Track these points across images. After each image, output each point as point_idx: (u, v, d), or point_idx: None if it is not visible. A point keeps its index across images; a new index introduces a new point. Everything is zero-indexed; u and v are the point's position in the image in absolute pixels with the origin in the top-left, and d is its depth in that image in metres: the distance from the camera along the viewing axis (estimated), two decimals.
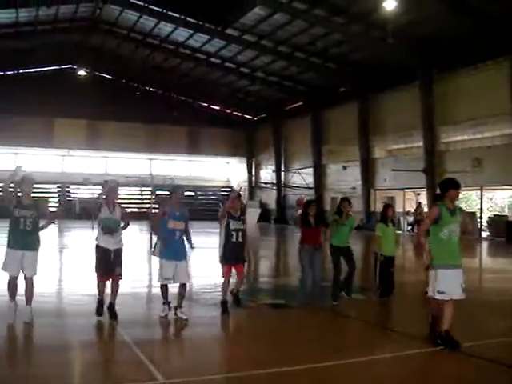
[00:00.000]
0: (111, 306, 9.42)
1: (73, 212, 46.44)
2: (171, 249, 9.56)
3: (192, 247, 10.03)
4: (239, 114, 59.31)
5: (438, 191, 8.33)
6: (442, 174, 31.70)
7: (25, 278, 9.14)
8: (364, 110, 40.94)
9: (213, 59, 45.85)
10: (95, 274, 9.50)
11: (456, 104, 32.91)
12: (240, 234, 10.26)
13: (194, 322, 9.60)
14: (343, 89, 43.86)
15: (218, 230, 10.73)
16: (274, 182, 54.14)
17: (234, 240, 10.20)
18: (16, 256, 9.01)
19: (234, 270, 10.46)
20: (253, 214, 15.93)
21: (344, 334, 9.49)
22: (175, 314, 9.58)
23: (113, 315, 9.35)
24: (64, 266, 18.30)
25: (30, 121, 50.30)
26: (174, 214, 9.68)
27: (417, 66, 34.51)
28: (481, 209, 33.55)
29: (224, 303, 10.12)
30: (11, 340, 8.54)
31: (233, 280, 10.55)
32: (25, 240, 9.06)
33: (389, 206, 12.45)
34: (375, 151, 41.38)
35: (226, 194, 54.78)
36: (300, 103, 49.68)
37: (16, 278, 9.13)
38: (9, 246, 9.08)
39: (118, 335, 8.72)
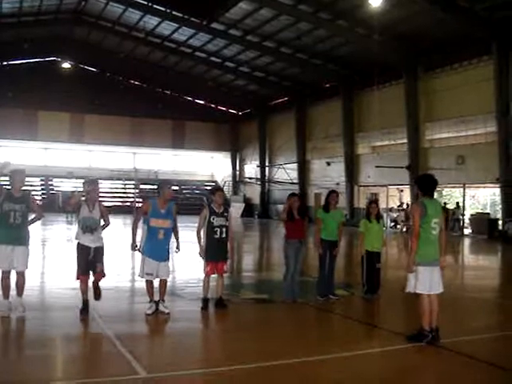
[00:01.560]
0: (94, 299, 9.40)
1: (56, 205, 46.22)
2: (154, 249, 9.45)
3: (177, 249, 9.89)
4: (224, 109, 59.28)
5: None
6: (425, 170, 31.81)
7: (16, 272, 9.08)
8: (349, 107, 41.04)
9: (198, 53, 45.78)
10: (76, 273, 9.36)
11: (441, 101, 33.10)
12: (224, 230, 10.01)
13: (176, 317, 9.57)
14: (328, 85, 43.90)
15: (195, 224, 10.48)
16: (259, 176, 54.17)
17: (218, 236, 9.95)
18: (6, 251, 8.93)
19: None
20: (236, 209, 15.93)
21: (327, 330, 9.50)
22: (157, 308, 9.54)
23: (97, 297, 9.40)
24: (46, 259, 18.19)
25: (13, 113, 50.06)
26: (158, 211, 9.49)
27: (402, 64, 34.65)
28: (463, 206, 33.71)
29: (205, 300, 10.05)
30: None
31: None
32: (14, 234, 8.97)
33: (372, 202, 12.46)
34: (359, 148, 41.50)
35: (209, 188, 54.90)
36: (285, 99, 49.81)
37: (8, 272, 9.07)
38: None
39: (100, 329, 8.68)
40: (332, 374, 6.81)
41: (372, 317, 10.46)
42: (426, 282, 7.86)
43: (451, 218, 32.34)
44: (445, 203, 33.00)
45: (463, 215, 33.52)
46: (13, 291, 9.13)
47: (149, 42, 45.99)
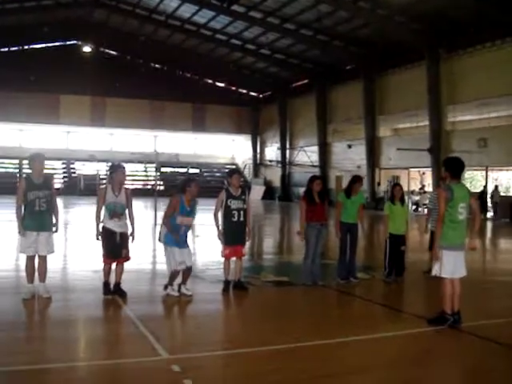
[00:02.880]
0: (117, 286, 9.41)
1: (77, 188, 46.56)
2: (179, 239, 9.50)
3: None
4: (245, 92, 59.16)
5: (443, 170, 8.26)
6: (447, 153, 31.60)
7: (39, 257, 9.16)
8: (370, 89, 40.76)
9: (218, 36, 45.64)
10: (102, 257, 9.43)
11: (463, 83, 32.76)
12: (242, 213, 9.98)
13: (197, 299, 9.62)
14: (349, 67, 43.61)
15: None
16: (279, 159, 54.10)
17: (236, 220, 9.93)
18: (31, 238, 9.00)
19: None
20: (257, 191, 15.89)
21: (347, 312, 9.50)
22: (179, 290, 9.59)
23: (121, 293, 9.35)
24: (69, 242, 18.32)
25: (35, 97, 50.37)
26: (185, 208, 9.53)
27: (424, 45, 34.27)
28: (485, 189, 33.45)
29: (226, 282, 10.11)
30: (20, 315, 8.57)
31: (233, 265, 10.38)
32: (39, 220, 9.04)
33: (397, 184, 12.42)
34: (380, 130, 41.26)
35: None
36: (306, 81, 49.58)
37: (34, 258, 9.13)
38: (24, 228, 8.99)
39: (122, 311, 8.76)
40: (353, 357, 6.83)
41: (393, 300, 10.44)
42: (450, 266, 7.81)
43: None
44: (484, 187, 32.93)
45: (486, 199, 33.17)
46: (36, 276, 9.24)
47: (169, 25, 45.97)
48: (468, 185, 34.46)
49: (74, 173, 54.56)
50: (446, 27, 32.30)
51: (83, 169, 55.30)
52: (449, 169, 8.09)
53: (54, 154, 52.02)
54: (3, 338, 7.20)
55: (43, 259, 9.21)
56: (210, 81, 58.11)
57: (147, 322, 7.86)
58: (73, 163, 55.77)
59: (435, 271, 7.98)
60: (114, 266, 9.44)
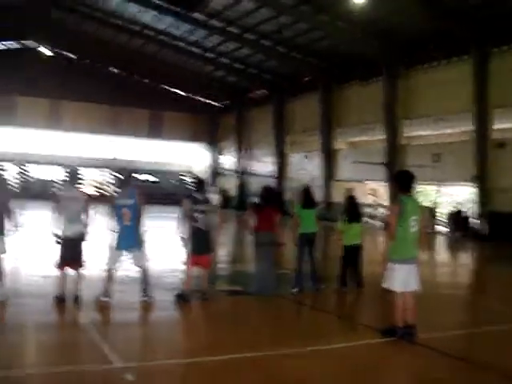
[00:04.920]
0: (75, 296, 9.36)
1: (31, 192, 45.88)
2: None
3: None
4: (203, 100, 59.03)
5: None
6: (402, 167, 31.93)
7: None
8: (327, 101, 41.06)
9: (178, 43, 45.46)
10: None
11: (419, 99, 33.23)
12: (205, 222, 10.06)
13: (155, 307, 9.61)
14: (307, 79, 43.83)
15: (176, 215, 10.41)
16: (236, 169, 54.04)
17: (201, 228, 9.99)
18: None
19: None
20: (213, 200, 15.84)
21: (299, 323, 9.57)
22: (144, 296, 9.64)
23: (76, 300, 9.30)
24: (21, 245, 17.99)
25: None
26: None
27: (382, 60, 34.67)
28: (437, 203, 33.97)
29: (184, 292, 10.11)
30: None
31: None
32: None
33: (351, 198, 12.47)
34: (337, 142, 41.56)
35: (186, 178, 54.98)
36: (264, 91, 49.64)
37: None
38: None
39: (76, 317, 8.67)
40: (300, 370, 6.81)
41: (347, 310, 10.52)
42: (402, 279, 7.90)
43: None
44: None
45: (437, 213, 33.64)
46: None
47: (128, 30, 45.59)
48: (421, 199, 34.96)
49: (29, 176, 53.61)
50: (404, 43, 32.74)
51: (38, 172, 54.45)
52: (398, 182, 8.20)
53: (9, 156, 51.39)
54: None
55: None
56: (168, 87, 57.80)
57: (100, 329, 7.79)
58: (26, 166, 54.77)
59: (386, 284, 8.08)
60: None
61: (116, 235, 9.55)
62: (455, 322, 9.63)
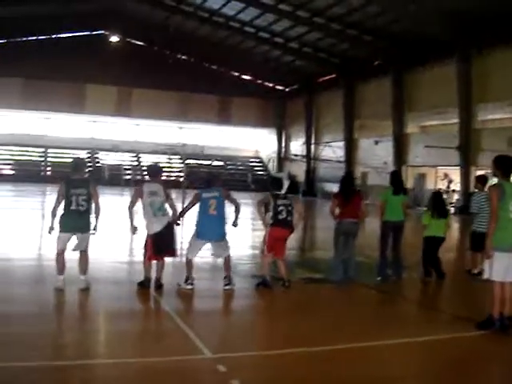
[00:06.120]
0: (157, 280, 9.34)
1: (102, 178, 46.63)
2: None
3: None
4: (271, 85, 58.85)
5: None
6: (476, 152, 31.22)
7: (80, 252, 9.14)
8: (398, 85, 40.32)
9: (247, 28, 45.39)
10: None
11: (495, 81, 32.21)
12: (289, 209, 9.89)
13: (236, 295, 9.50)
14: (378, 62, 43.11)
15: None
16: (304, 154, 53.79)
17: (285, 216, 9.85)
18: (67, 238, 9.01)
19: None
20: None
21: (385, 313, 9.26)
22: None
23: (157, 287, 9.28)
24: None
25: (61, 86, 50.56)
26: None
27: (456, 42, 33.75)
28: None
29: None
30: (58, 307, 8.52)
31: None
32: (77, 222, 9.01)
33: (437, 193, 12.23)
34: (408, 127, 40.82)
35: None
36: (333, 76, 49.05)
37: (63, 251, 9.02)
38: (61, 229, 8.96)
39: (160, 305, 8.65)
40: (390, 361, 6.67)
41: (435, 301, 10.24)
42: (502, 268, 7.50)
43: None
44: None
45: None
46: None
47: (197, 17, 45.77)
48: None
49: (98, 162, 54.59)
50: (479, 24, 31.73)
51: (107, 159, 55.42)
52: (499, 167, 7.80)
53: (79, 143, 52.43)
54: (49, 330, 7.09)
55: (84, 254, 9.23)
56: (236, 73, 57.84)
57: (185, 318, 7.72)
58: (97, 153, 55.81)
59: (486, 274, 7.69)
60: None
61: (199, 225, 9.50)
62: None
